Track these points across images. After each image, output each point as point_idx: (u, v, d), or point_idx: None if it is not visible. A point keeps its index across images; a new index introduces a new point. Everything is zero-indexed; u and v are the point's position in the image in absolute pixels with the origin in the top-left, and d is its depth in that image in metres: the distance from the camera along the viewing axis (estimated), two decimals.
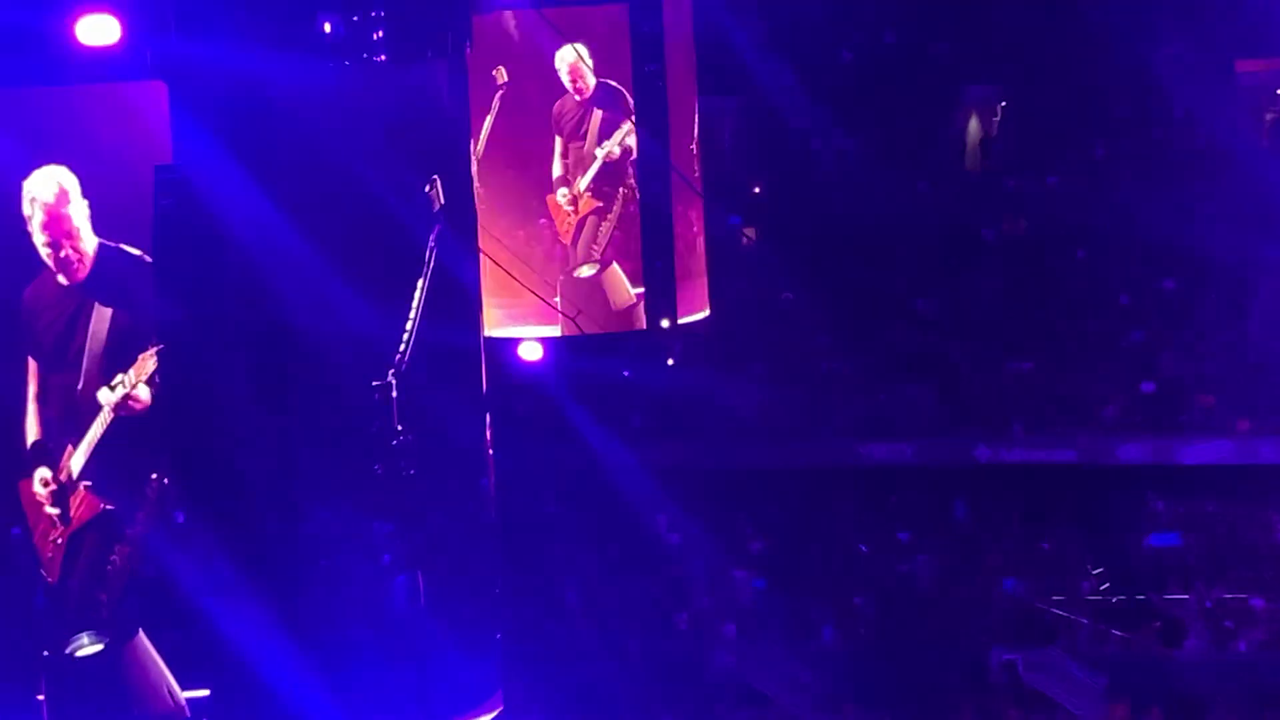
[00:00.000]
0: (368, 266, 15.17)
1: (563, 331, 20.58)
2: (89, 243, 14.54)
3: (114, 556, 14.65)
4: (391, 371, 15.16)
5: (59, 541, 14.70)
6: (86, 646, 14.67)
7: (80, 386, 14.63)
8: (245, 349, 14.83)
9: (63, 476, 14.66)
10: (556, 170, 20.61)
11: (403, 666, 15.18)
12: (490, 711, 15.99)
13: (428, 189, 15.48)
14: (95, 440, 14.61)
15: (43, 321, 14.66)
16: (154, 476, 14.64)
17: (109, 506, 14.66)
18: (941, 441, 33.32)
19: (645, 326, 20.91)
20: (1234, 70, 35.81)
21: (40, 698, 14.75)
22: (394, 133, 15.30)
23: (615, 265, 20.67)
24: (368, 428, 15.05)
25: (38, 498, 14.70)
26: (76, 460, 14.63)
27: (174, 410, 14.63)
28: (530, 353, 19.84)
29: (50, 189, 14.42)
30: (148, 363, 14.51)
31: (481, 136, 19.72)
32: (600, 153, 20.53)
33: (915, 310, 35.71)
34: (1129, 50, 35.34)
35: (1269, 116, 36.67)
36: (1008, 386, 34.18)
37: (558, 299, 20.45)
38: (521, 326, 20.44)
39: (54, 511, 14.68)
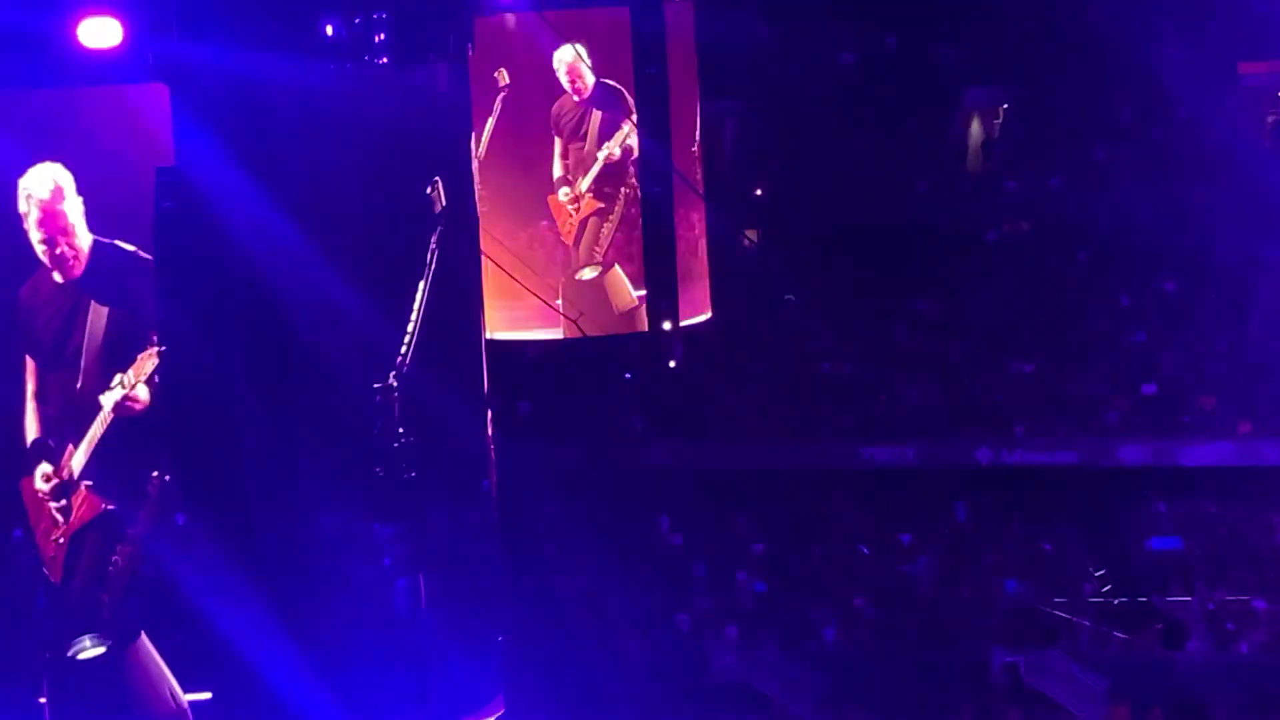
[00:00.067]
0: (369, 268, 15.18)
1: (564, 334, 20.59)
2: (84, 239, 14.56)
3: (115, 557, 14.66)
4: (393, 373, 15.16)
5: (61, 541, 14.72)
6: (89, 649, 14.68)
7: (79, 385, 14.64)
8: (247, 351, 14.84)
9: (64, 475, 14.67)
10: (557, 171, 20.61)
11: (404, 668, 15.19)
12: (492, 713, 16.00)
13: (429, 191, 15.49)
14: (96, 440, 14.62)
15: (40, 319, 14.68)
16: (155, 475, 14.65)
17: (110, 506, 14.68)
18: (943, 443, 33.33)
19: (647, 328, 20.92)
20: (1236, 72, 35.79)
21: (42, 700, 14.77)
22: (395, 135, 15.31)
23: (617, 267, 20.67)
24: (369, 430, 15.06)
25: (40, 495, 14.72)
26: (77, 459, 14.65)
27: (176, 412, 14.64)
28: None
29: (46, 186, 14.45)
30: (147, 363, 14.52)
31: (483, 138, 19.72)
32: (601, 154, 20.54)
33: (917, 312, 35.71)
34: (1131, 52, 35.33)
35: (1270, 118, 36.66)
36: (1009, 388, 34.17)
37: (559, 301, 20.45)
38: (523, 329, 20.47)
39: (56, 507, 14.70)
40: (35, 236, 14.56)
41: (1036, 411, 33.63)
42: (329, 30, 14.94)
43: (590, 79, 20.39)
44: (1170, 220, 33.71)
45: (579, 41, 20.22)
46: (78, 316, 14.68)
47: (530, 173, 20.54)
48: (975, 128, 37.42)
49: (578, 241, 20.59)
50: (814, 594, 31.71)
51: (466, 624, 15.67)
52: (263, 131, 14.75)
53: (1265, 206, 33.24)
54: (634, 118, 20.42)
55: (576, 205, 20.57)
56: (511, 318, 20.18)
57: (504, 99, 20.13)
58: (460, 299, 15.95)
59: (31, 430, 14.80)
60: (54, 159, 14.55)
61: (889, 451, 33.42)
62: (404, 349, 15.20)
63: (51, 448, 14.69)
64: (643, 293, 20.68)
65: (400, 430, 15.16)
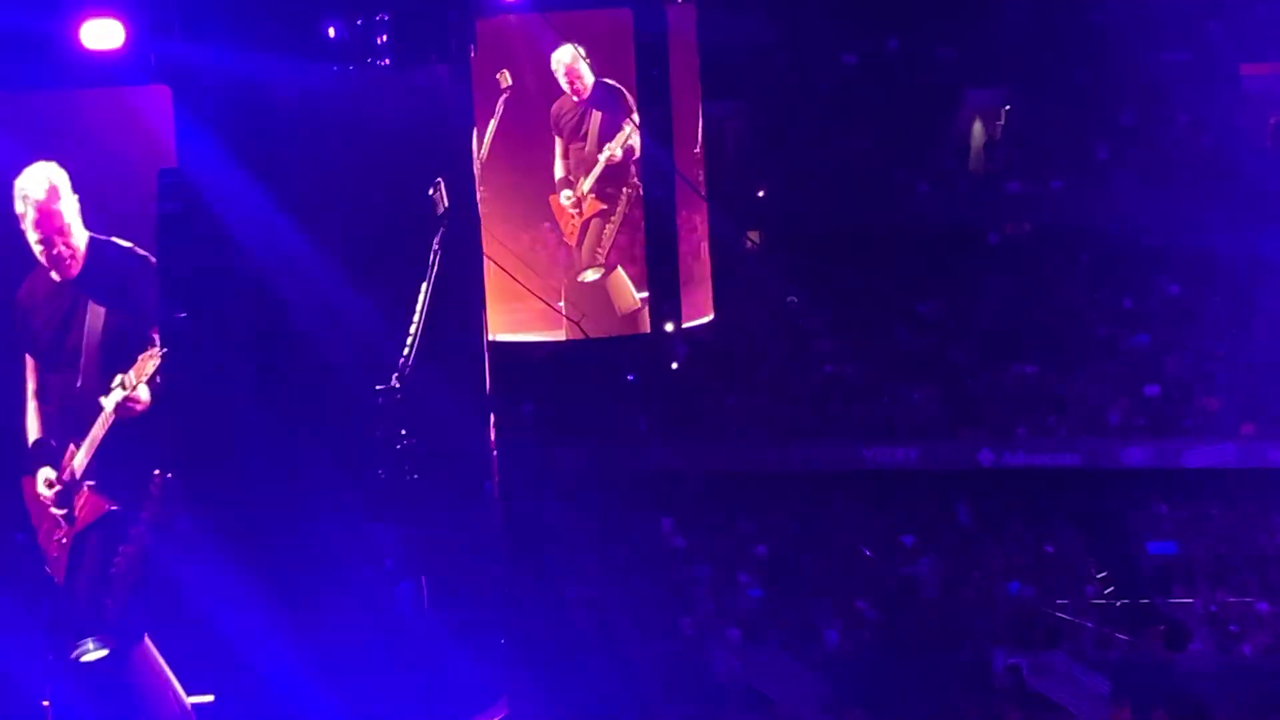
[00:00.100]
0: (371, 270, 15.19)
1: (567, 335, 20.59)
2: (80, 238, 14.59)
3: (118, 559, 14.66)
4: (395, 375, 15.16)
5: (64, 541, 14.73)
6: (92, 652, 14.68)
7: (79, 384, 14.66)
8: (249, 353, 14.84)
9: (66, 478, 14.68)
10: (558, 172, 20.61)
11: (407, 670, 15.18)
12: (495, 715, 16.00)
13: (431, 192, 15.49)
14: (97, 440, 14.63)
15: (39, 318, 14.71)
16: (157, 473, 14.66)
17: (113, 507, 14.68)
18: (945, 445, 33.31)
19: (649, 330, 20.92)
20: (1238, 75, 35.77)
21: (46, 703, 14.78)
22: (397, 136, 15.32)
23: (620, 269, 20.68)
24: (371, 432, 15.06)
25: (42, 498, 14.72)
26: (79, 460, 14.66)
27: (178, 414, 14.64)
28: None
29: (40, 186, 14.48)
30: (148, 363, 14.53)
31: (485, 139, 19.72)
32: (603, 156, 20.54)
33: (919, 314, 35.68)
34: (1133, 54, 35.31)
35: (1272, 120, 36.62)
36: (1011, 390, 34.14)
37: (562, 303, 20.46)
38: (526, 331, 20.47)
39: (59, 512, 14.71)
40: (32, 237, 14.60)
41: (1039, 413, 33.60)
42: (331, 32, 14.96)
43: (589, 79, 20.39)
44: (1172, 222, 33.68)
45: (582, 43, 20.23)
46: (76, 315, 14.70)
47: (532, 174, 20.55)
48: (977, 129, 37.38)
49: (580, 243, 20.60)
50: (816, 596, 31.69)
51: (469, 626, 15.66)
52: (264, 133, 14.75)
53: (1267, 208, 33.21)
54: (635, 117, 20.42)
55: (579, 208, 20.57)
56: (514, 320, 20.18)
57: (506, 100, 20.14)
58: (462, 301, 15.96)
59: (33, 430, 14.81)
60: (56, 160, 14.57)
61: (891, 453, 33.39)
62: (406, 351, 15.20)
63: (54, 448, 14.70)
64: (645, 295, 20.68)
65: (402, 432, 15.16)
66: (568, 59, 20.20)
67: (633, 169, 20.56)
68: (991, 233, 37.07)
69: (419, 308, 15.34)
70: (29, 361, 14.81)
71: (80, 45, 14.30)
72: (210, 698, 14.95)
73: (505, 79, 20.06)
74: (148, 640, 14.75)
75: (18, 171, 14.54)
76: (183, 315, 14.46)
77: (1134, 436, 32.98)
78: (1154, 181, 34.64)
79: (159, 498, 14.62)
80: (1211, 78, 35.23)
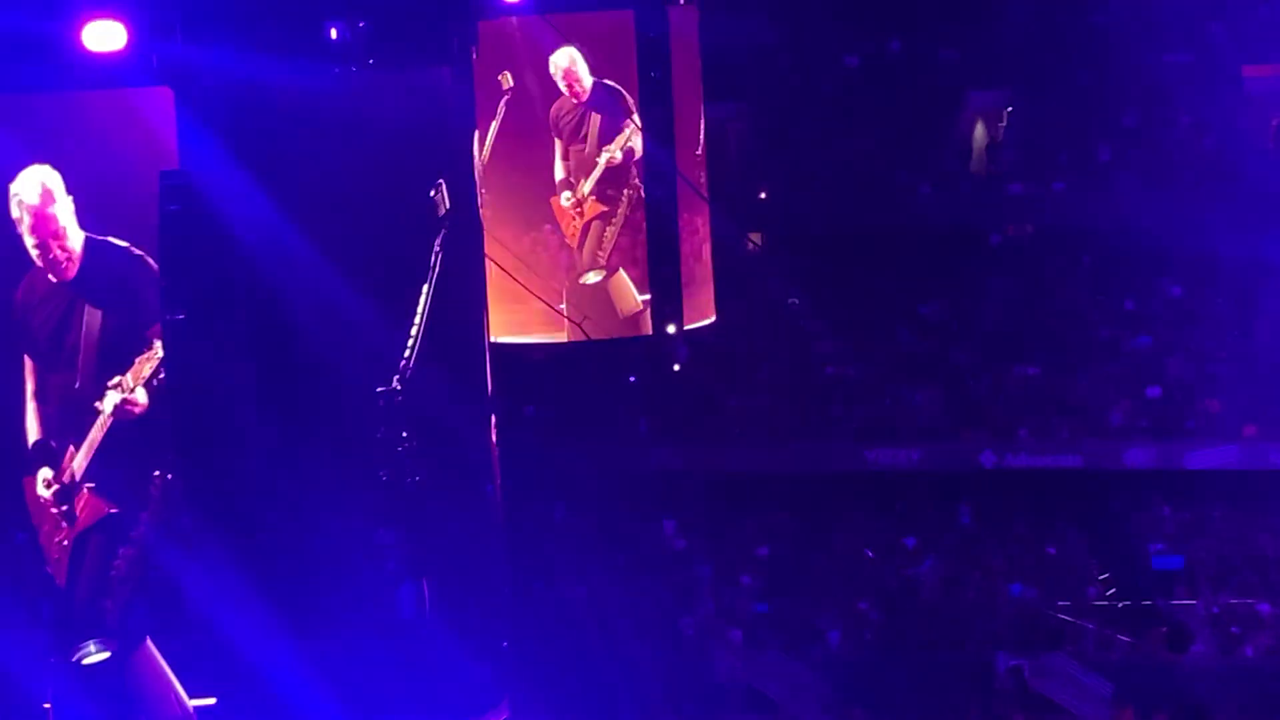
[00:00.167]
0: (373, 271, 15.18)
1: (569, 337, 20.57)
2: (76, 240, 14.61)
3: (118, 561, 14.66)
4: (396, 377, 15.16)
5: (65, 543, 14.73)
6: (94, 654, 14.68)
7: (78, 385, 14.67)
8: (250, 354, 14.84)
9: (65, 479, 14.68)
10: (559, 173, 20.60)
11: (409, 672, 15.17)
12: (496, 717, 15.99)
13: (433, 193, 15.49)
14: (96, 443, 14.64)
15: (37, 319, 14.73)
16: (157, 474, 14.66)
17: (113, 510, 14.68)
18: (947, 446, 33.29)
19: (651, 332, 20.92)
20: (1240, 76, 35.75)
21: (47, 705, 14.78)
22: (399, 137, 15.31)
23: (622, 271, 20.67)
24: (373, 434, 15.05)
25: (42, 500, 14.73)
26: (78, 462, 14.66)
27: (179, 415, 14.64)
28: None
29: (34, 190, 14.50)
30: (145, 366, 14.54)
31: (487, 141, 19.71)
32: (602, 159, 20.53)
33: (921, 315, 35.67)
34: (1135, 56, 35.29)
35: (1275, 122, 36.60)
36: (1013, 392, 34.12)
37: (563, 305, 20.45)
38: (527, 333, 20.46)
39: (59, 513, 14.71)
40: (29, 241, 14.63)
41: (1041, 415, 33.59)
42: (333, 34, 14.95)
43: (588, 81, 20.38)
44: (1174, 224, 33.64)
45: (584, 44, 20.22)
46: (73, 315, 14.72)
47: (533, 176, 20.54)
48: (979, 131, 37.36)
49: (581, 245, 20.59)
50: (819, 597, 31.69)
51: (471, 628, 15.65)
52: (266, 134, 14.76)
53: (1269, 210, 33.18)
54: (635, 117, 20.41)
55: (580, 209, 20.56)
56: (515, 321, 20.17)
57: (507, 102, 20.13)
58: (464, 302, 15.95)
59: (33, 431, 14.82)
60: (58, 161, 14.58)
61: (893, 455, 33.37)
62: (407, 352, 15.20)
63: (53, 449, 14.70)
64: (647, 297, 20.67)
65: (404, 434, 15.16)
66: (565, 62, 20.19)
67: (634, 171, 20.55)
68: (994, 234, 37.05)
69: (420, 309, 15.33)
70: (28, 362, 14.82)
71: (82, 47, 14.30)
72: (212, 700, 14.95)
73: (507, 80, 20.05)
74: (149, 643, 14.75)
75: (18, 173, 14.56)
76: (181, 317, 14.45)
77: (1136, 438, 32.96)
78: (1156, 183, 34.62)
79: (159, 499, 14.62)
80: (1213, 79, 35.22)
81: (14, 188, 14.53)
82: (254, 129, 14.75)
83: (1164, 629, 30.25)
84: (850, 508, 33.60)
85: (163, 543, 14.61)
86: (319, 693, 14.76)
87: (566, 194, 20.50)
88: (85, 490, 14.73)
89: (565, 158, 20.55)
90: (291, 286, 14.85)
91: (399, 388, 15.13)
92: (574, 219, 20.53)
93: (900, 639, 30.58)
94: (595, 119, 20.45)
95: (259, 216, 14.74)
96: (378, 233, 15.26)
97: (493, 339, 17.23)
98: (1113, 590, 31.69)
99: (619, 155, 20.48)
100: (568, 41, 20.09)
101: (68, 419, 14.75)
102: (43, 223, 14.58)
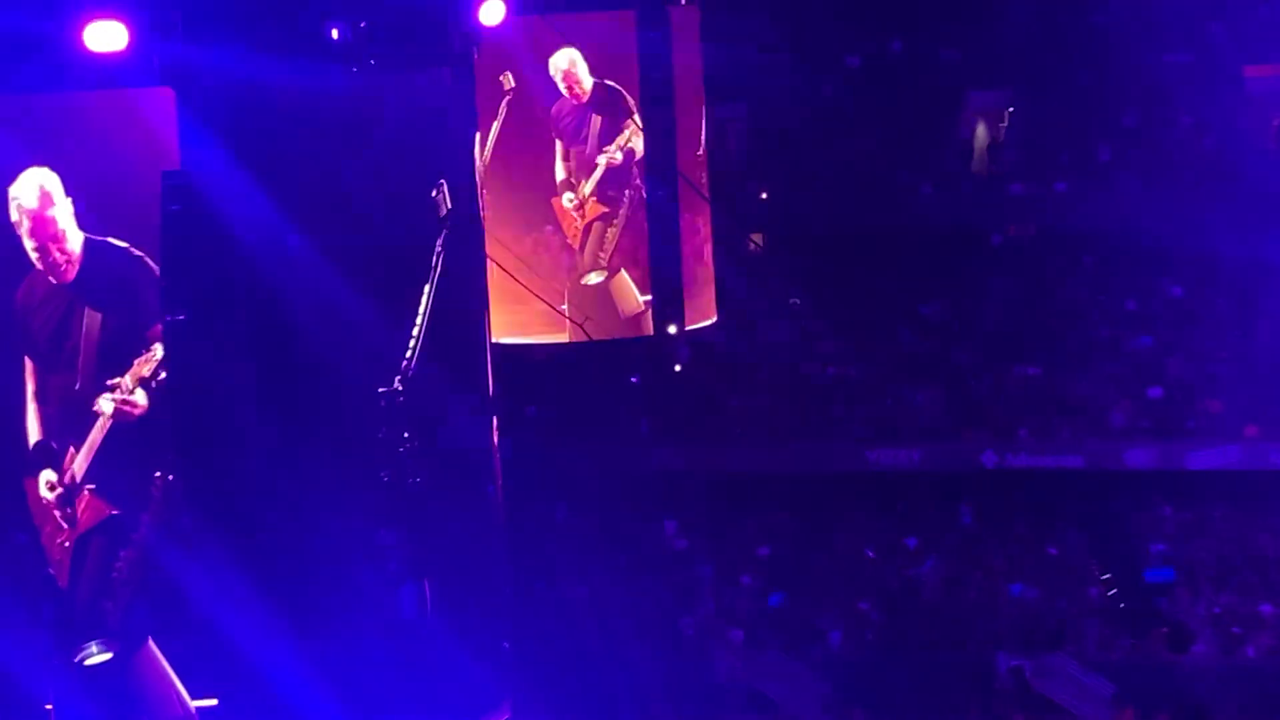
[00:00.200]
0: (374, 271, 15.18)
1: (570, 337, 20.58)
2: (75, 242, 14.61)
3: (119, 563, 14.66)
4: (398, 378, 15.16)
5: (66, 545, 14.72)
6: (96, 655, 14.68)
7: (78, 386, 14.67)
8: (252, 354, 14.84)
9: (66, 480, 14.68)
10: (560, 174, 20.60)
11: (410, 673, 15.17)
12: (498, 718, 15.99)
13: (434, 194, 15.48)
14: (95, 445, 14.63)
15: (37, 320, 14.73)
16: (158, 475, 14.66)
17: (114, 512, 14.68)
18: (948, 447, 33.29)
19: (653, 332, 20.92)
20: (1242, 76, 35.75)
21: (49, 706, 14.77)
22: (400, 138, 15.31)
23: (623, 272, 20.66)
24: (375, 434, 15.05)
25: (45, 502, 14.72)
26: (79, 463, 14.65)
27: (181, 416, 14.64)
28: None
29: (33, 194, 14.50)
30: (142, 368, 14.54)
31: (488, 142, 19.71)
32: (602, 161, 20.52)
33: (922, 315, 35.67)
34: (1136, 56, 35.30)
35: (1276, 122, 36.59)
36: (1015, 392, 34.12)
37: (565, 305, 20.44)
38: (529, 333, 20.46)
39: (61, 515, 14.71)
40: (28, 244, 14.63)
41: (1042, 415, 33.58)
42: (334, 34, 14.95)
43: (588, 83, 20.38)
44: (1175, 224, 33.64)
45: (585, 45, 20.21)
46: (73, 317, 14.72)
47: (535, 176, 20.53)
48: (980, 131, 37.36)
49: (583, 246, 20.59)
50: (820, 598, 31.69)
51: (472, 628, 15.65)
52: (267, 135, 14.76)
53: (1270, 210, 33.17)
54: (636, 117, 20.41)
55: (581, 211, 20.56)
56: (517, 322, 20.17)
57: (509, 102, 20.12)
58: (465, 303, 15.95)
59: (34, 432, 14.82)
60: (58, 163, 14.57)
61: (895, 455, 33.37)
62: (409, 353, 15.19)
63: (54, 450, 14.70)
64: (649, 297, 20.67)
65: (405, 434, 15.15)
66: (565, 63, 20.19)
67: (635, 171, 20.54)
68: (995, 234, 37.06)
69: (422, 310, 15.33)
70: (28, 364, 14.82)
71: (83, 47, 14.29)
72: (214, 701, 14.95)
73: (508, 81, 20.04)
74: (151, 643, 14.75)
75: (18, 173, 14.56)
76: (181, 317, 14.45)
77: (1137, 438, 32.95)
78: (1157, 183, 34.62)
79: (160, 501, 14.61)
80: (1214, 79, 35.21)
81: (13, 191, 14.53)
82: (255, 129, 14.74)
83: (1165, 629, 30.24)
84: (851, 508, 33.60)
85: (164, 544, 14.61)
86: (320, 693, 14.76)
87: (568, 195, 20.50)
88: (86, 492, 14.72)
89: (566, 158, 20.55)
90: (293, 287, 14.85)
91: (400, 388, 15.13)
92: (575, 220, 20.53)
93: (901, 639, 30.57)
94: (596, 120, 20.45)
95: (260, 217, 14.74)
96: (379, 233, 15.26)
97: (494, 339, 17.23)
98: (1114, 590, 31.68)
99: (619, 156, 20.47)
100: (568, 42, 20.08)
101: (68, 420, 14.75)
102: (42, 226, 14.58)
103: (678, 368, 31.68)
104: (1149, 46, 35.20)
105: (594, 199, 20.56)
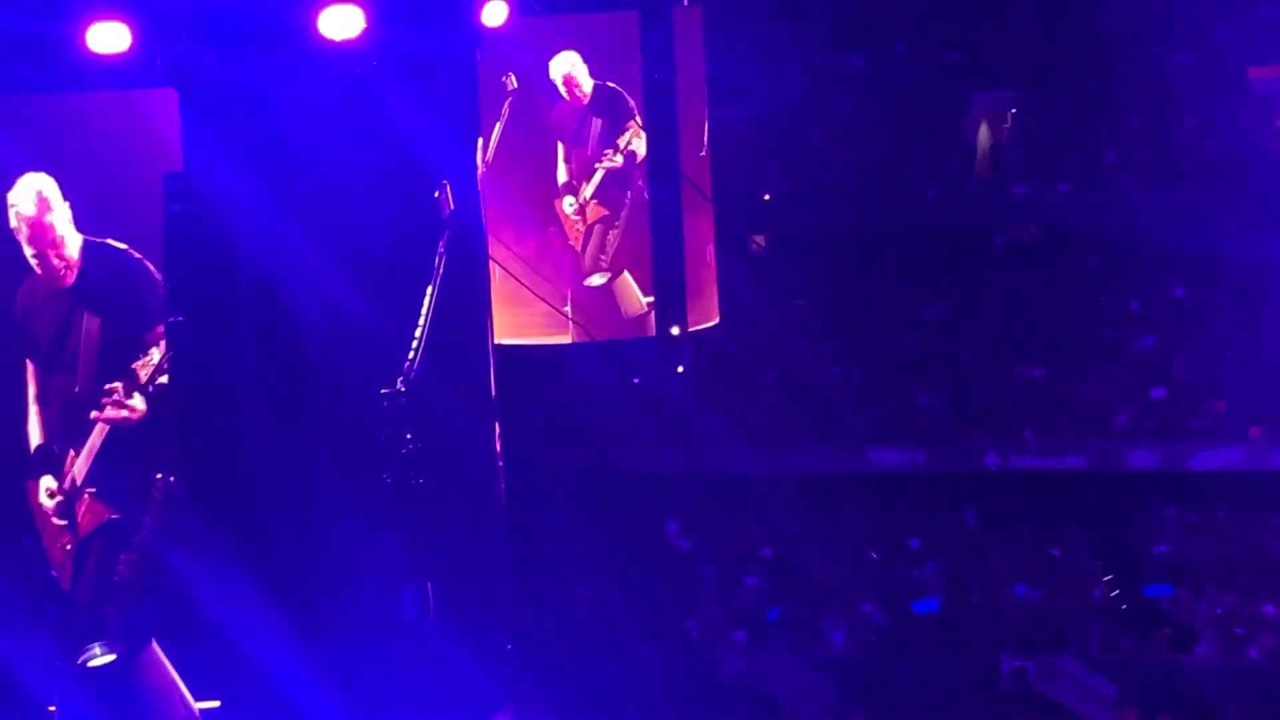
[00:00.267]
0: (377, 273, 15.18)
1: (573, 338, 20.58)
2: (73, 247, 14.62)
3: (120, 567, 14.66)
4: (401, 379, 15.15)
5: (68, 548, 14.73)
6: (99, 657, 14.68)
7: (78, 388, 14.68)
8: (254, 356, 14.83)
9: (67, 484, 14.68)
10: (561, 176, 20.60)
11: (413, 674, 15.17)
12: (501, 719, 15.98)
13: (437, 195, 15.47)
14: (95, 449, 14.64)
15: (38, 322, 14.74)
16: (159, 477, 14.66)
17: (115, 516, 14.68)
18: (952, 448, 33.26)
19: (655, 334, 20.91)
20: (1245, 77, 35.73)
21: (52, 709, 14.78)
22: (403, 139, 15.31)
23: (626, 274, 20.67)
24: (377, 436, 15.04)
25: (45, 509, 14.73)
26: (79, 467, 14.66)
27: (183, 417, 14.63)
28: None
29: (30, 200, 14.51)
30: (141, 372, 14.54)
31: (491, 143, 19.71)
32: (602, 165, 20.52)
33: (925, 317, 35.67)
34: (1140, 57, 35.30)
35: (1279, 124, 36.59)
36: (1018, 393, 34.10)
37: (568, 307, 20.44)
38: (531, 335, 20.46)
39: (61, 522, 14.72)
40: (28, 251, 14.65)
41: (1045, 416, 33.56)
42: (336, 35, 14.93)
43: (588, 85, 20.39)
44: (1179, 225, 33.62)
45: (587, 46, 20.22)
46: (73, 320, 14.73)
47: (537, 178, 20.54)
48: (984, 132, 37.33)
49: (584, 248, 20.59)
50: (823, 599, 31.68)
51: (475, 630, 15.65)
52: (269, 136, 14.75)
53: (1274, 211, 33.14)
54: (638, 119, 20.41)
55: (582, 213, 20.56)
56: (519, 324, 20.17)
57: (512, 104, 20.13)
58: (468, 304, 15.94)
59: (35, 434, 14.83)
60: (60, 165, 14.58)
61: (898, 456, 33.36)
62: (411, 354, 15.19)
63: (55, 454, 14.70)
64: (652, 299, 20.67)
65: (408, 436, 15.14)
66: (565, 67, 20.20)
67: (637, 173, 20.54)
68: (998, 235, 37.03)
69: (424, 311, 15.32)
70: (29, 366, 14.82)
71: (86, 48, 14.28)
72: (217, 703, 14.95)
73: (511, 82, 20.05)
74: (155, 645, 14.75)
75: (18, 177, 14.57)
76: (182, 319, 14.45)
77: (1141, 439, 32.93)
78: (1161, 184, 34.58)
79: (161, 503, 14.61)
80: (1218, 81, 35.19)
81: (11, 198, 14.55)
82: (258, 131, 14.73)
83: (1168, 630, 30.24)
84: (854, 509, 33.59)
85: (166, 546, 14.61)
86: (323, 694, 14.75)
87: (569, 199, 20.50)
88: (86, 496, 14.73)
89: (568, 160, 20.56)
90: (295, 288, 14.84)
91: (403, 390, 15.12)
92: (576, 223, 20.53)
93: (904, 640, 30.56)
94: (596, 122, 20.46)
95: (263, 218, 14.73)
96: (381, 234, 15.25)
97: (496, 341, 17.22)
98: (1117, 591, 31.67)
99: (619, 159, 20.47)
100: (569, 45, 20.09)
101: (69, 423, 14.75)
102: (40, 232, 14.60)
103: (680, 369, 31.67)
104: (1152, 48, 35.21)
105: (595, 201, 20.56)
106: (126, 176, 14.72)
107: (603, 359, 28.42)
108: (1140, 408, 33.47)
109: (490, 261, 17.36)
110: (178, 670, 14.83)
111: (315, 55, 14.79)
